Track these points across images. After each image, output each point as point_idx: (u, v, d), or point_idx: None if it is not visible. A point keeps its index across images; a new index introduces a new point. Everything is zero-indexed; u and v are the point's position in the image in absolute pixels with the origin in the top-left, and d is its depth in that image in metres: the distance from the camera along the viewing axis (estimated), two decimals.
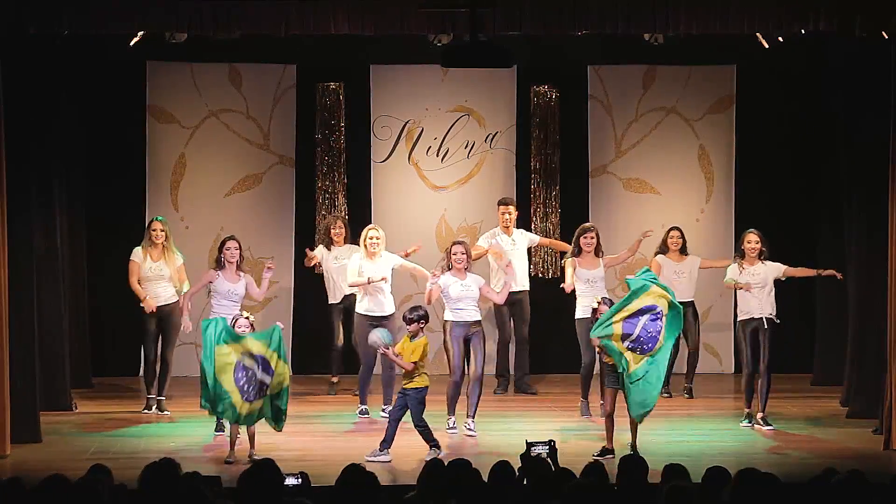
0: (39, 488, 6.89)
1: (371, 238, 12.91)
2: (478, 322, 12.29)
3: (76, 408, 13.15)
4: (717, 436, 12.11)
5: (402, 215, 15.10)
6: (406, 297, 14.28)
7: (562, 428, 12.17)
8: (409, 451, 11.11)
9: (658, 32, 12.53)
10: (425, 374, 11.20)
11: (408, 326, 11.28)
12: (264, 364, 11.02)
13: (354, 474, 7.18)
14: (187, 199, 15.11)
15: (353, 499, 7.09)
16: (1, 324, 11.14)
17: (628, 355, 11.07)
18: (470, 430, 12.07)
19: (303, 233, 15.15)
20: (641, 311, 11.12)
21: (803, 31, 11.61)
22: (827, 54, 13.92)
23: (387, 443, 11.03)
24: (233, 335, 11.06)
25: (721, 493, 7.12)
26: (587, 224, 13.39)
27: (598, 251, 13.08)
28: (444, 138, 15.37)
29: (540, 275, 15.19)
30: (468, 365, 12.24)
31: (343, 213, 14.99)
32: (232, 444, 11.13)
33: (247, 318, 11.35)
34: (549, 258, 15.25)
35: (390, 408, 11.68)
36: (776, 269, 12.50)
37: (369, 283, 12.73)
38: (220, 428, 12.02)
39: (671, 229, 14.13)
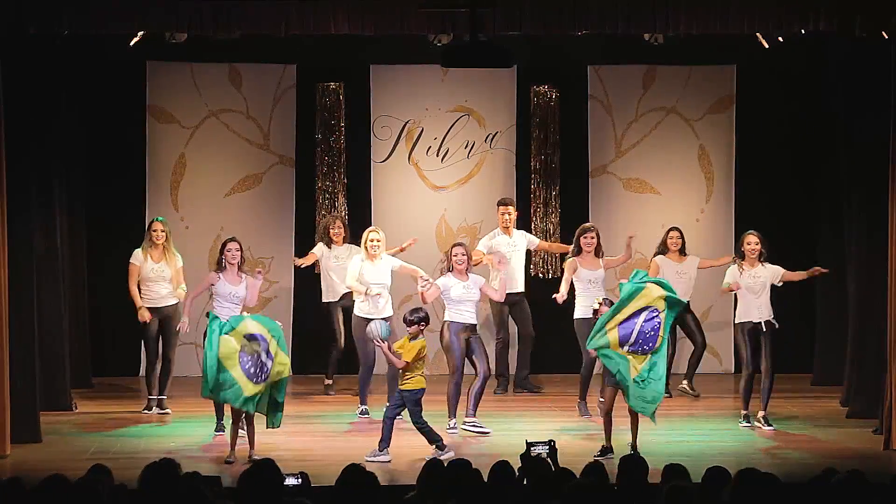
0: (39, 488, 6.89)
1: (372, 240, 12.91)
2: (475, 325, 12.31)
3: (76, 408, 13.15)
4: (717, 436, 12.11)
5: (402, 215, 15.10)
6: (406, 297, 14.28)
7: (562, 428, 12.17)
8: (409, 451, 11.11)
9: (658, 32, 12.53)
10: (422, 376, 11.19)
11: (408, 328, 11.28)
12: (264, 343, 11.04)
13: (354, 474, 7.18)
14: (187, 199, 15.11)
15: (353, 499, 7.09)
16: (1, 324, 11.14)
17: (630, 358, 11.04)
18: (479, 426, 12.09)
19: (303, 233, 15.15)
20: (636, 314, 11.10)
21: (803, 31, 11.61)
22: (827, 54, 13.92)
23: (385, 442, 11.03)
24: (232, 323, 11.09)
25: (721, 493, 7.12)
26: (587, 224, 13.40)
27: (598, 251, 13.09)
28: (444, 138, 15.37)
29: (540, 275, 15.19)
30: (477, 366, 12.24)
31: (343, 213, 14.99)
32: (232, 444, 11.13)
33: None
34: (550, 258, 15.25)
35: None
36: (775, 274, 12.49)
37: (367, 293, 12.74)
38: (220, 428, 12.03)
39: (671, 230, 14.12)
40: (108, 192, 14.83)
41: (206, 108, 15.14)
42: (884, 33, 11.28)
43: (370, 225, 14.05)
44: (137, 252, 13.17)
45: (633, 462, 7.77)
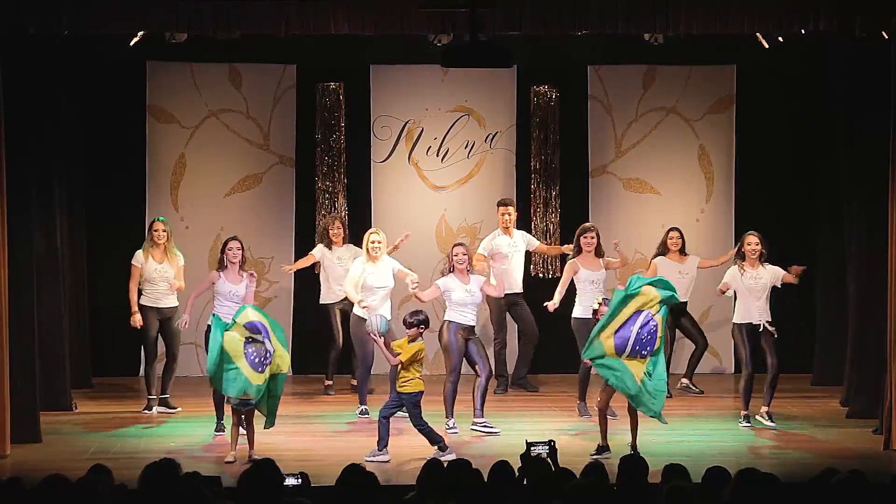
0: (39, 488, 6.90)
1: (373, 242, 12.91)
2: (474, 327, 12.33)
3: (76, 408, 13.15)
4: (717, 436, 12.11)
5: (402, 215, 15.09)
6: (406, 297, 14.27)
7: (562, 428, 12.17)
8: (409, 451, 11.11)
9: (658, 32, 12.52)
10: (420, 379, 11.18)
11: (407, 330, 11.27)
12: (265, 331, 11.05)
13: (354, 474, 7.19)
14: (187, 199, 15.11)
15: (353, 499, 7.09)
16: (1, 324, 11.14)
17: (630, 364, 11.02)
18: (488, 426, 12.10)
19: (303, 233, 15.15)
20: (631, 321, 11.09)
21: (803, 31, 11.61)
22: (827, 54, 13.92)
23: (383, 441, 11.03)
24: (234, 317, 11.13)
25: (721, 493, 7.12)
26: (587, 224, 13.40)
27: (598, 251, 13.09)
28: (444, 138, 15.37)
29: (540, 275, 15.19)
30: (478, 367, 12.25)
31: (343, 214, 14.99)
32: (232, 444, 11.13)
33: None
34: (550, 258, 15.23)
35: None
36: (776, 276, 12.48)
37: (359, 303, 12.75)
38: (220, 428, 12.04)
39: (670, 230, 14.13)
40: (108, 192, 14.83)
41: (206, 108, 15.14)
42: (884, 33, 11.28)
43: (370, 225, 14.09)
44: (139, 253, 13.18)
45: (633, 462, 7.77)
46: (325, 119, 15.24)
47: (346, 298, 13.70)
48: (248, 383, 10.91)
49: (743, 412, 12.48)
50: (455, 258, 12.31)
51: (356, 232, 14.14)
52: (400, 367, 11.16)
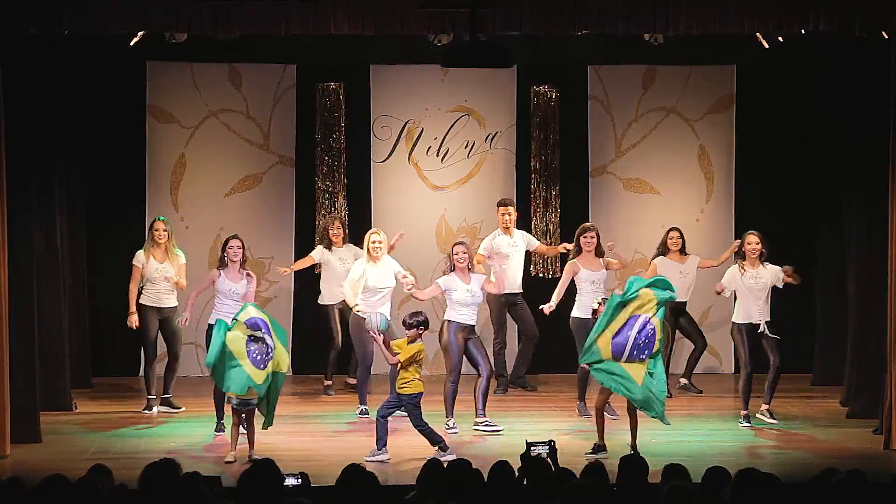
0: (39, 488, 6.89)
1: (374, 242, 12.91)
2: (474, 327, 12.33)
3: (76, 408, 13.15)
4: (717, 436, 12.11)
5: (402, 215, 15.09)
6: (406, 297, 14.27)
7: (561, 428, 12.16)
8: (409, 451, 11.11)
9: (658, 32, 12.52)
10: (420, 380, 11.18)
11: (407, 331, 11.27)
12: (266, 328, 11.06)
13: (354, 474, 7.19)
14: (187, 199, 15.11)
15: (353, 499, 7.09)
16: (1, 324, 11.14)
17: (630, 368, 11.01)
18: (491, 425, 12.11)
19: (303, 233, 15.16)
20: (628, 325, 11.08)
21: (803, 31, 11.61)
22: (827, 54, 13.92)
23: (381, 441, 11.03)
24: (235, 316, 11.17)
25: (721, 493, 7.12)
26: (587, 224, 13.38)
27: (598, 251, 13.08)
28: (444, 138, 15.37)
29: (540, 275, 15.18)
30: (479, 366, 12.25)
31: (343, 214, 14.99)
32: (232, 444, 11.13)
33: None
34: (550, 258, 15.23)
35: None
36: (776, 276, 12.48)
37: (354, 308, 12.77)
38: (220, 428, 12.04)
39: (670, 230, 14.13)
40: (108, 192, 14.83)
41: (206, 108, 15.14)
42: (884, 33, 11.28)
43: (370, 225, 14.10)
44: (140, 253, 13.19)
45: (633, 462, 7.77)
46: (325, 119, 15.24)
47: (344, 300, 13.72)
48: (251, 381, 10.92)
49: (743, 412, 12.48)
50: (455, 257, 12.31)
51: (356, 232, 14.15)
52: (399, 367, 11.15)
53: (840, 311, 13.71)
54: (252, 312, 11.18)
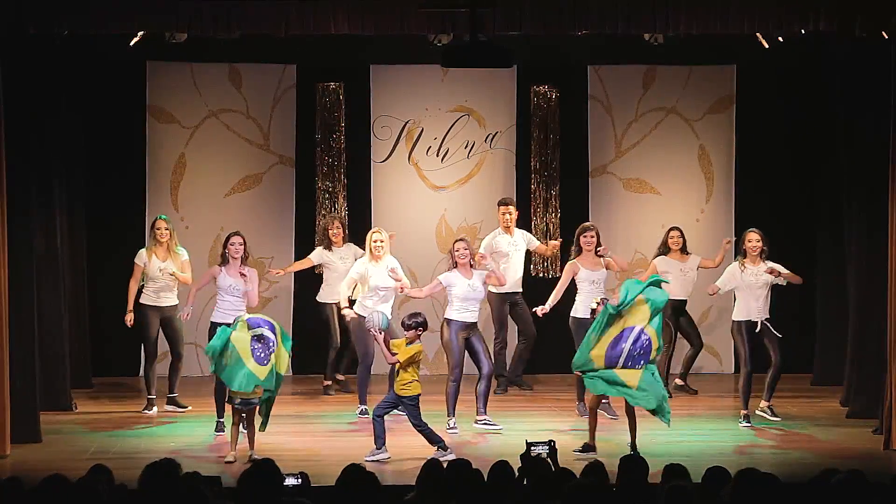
0: (39, 488, 6.89)
1: (375, 241, 12.91)
2: (475, 324, 12.33)
3: (76, 408, 13.15)
4: (717, 436, 12.11)
5: (402, 215, 15.09)
6: (406, 297, 14.26)
7: (561, 428, 12.17)
8: (409, 451, 11.11)
9: (658, 32, 12.52)
10: (417, 381, 11.18)
11: (405, 332, 11.26)
12: (266, 324, 11.08)
13: (354, 474, 7.19)
14: (187, 199, 15.11)
15: (353, 499, 7.09)
16: (1, 324, 11.14)
17: (623, 374, 11.02)
18: (491, 423, 12.11)
19: (303, 233, 15.16)
20: (622, 337, 11.07)
21: (803, 31, 11.61)
22: (827, 54, 13.91)
23: (380, 440, 11.03)
24: (234, 325, 11.17)
25: (721, 493, 7.12)
26: (587, 223, 13.36)
27: (598, 250, 13.06)
28: (444, 138, 15.37)
29: (540, 275, 15.18)
30: (479, 365, 12.26)
31: (343, 214, 14.99)
32: (232, 443, 11.13)
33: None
34: (550, 258, 15.22)
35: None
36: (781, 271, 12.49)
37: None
38: (220, 428, 12.04)
39: (671, 229, 14.13)
40: (108, 193, 14.83)
41: (206, 108, 15.14)
42: (884, 33, 11.28)
43: (370, 225, 14.09)
44: (142, 252, 13.20)
45: (633, 462, 7.77)
46: (325, 119, 15.24)
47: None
48: (256, 378, 10.94)
49: (743, 412, 12.48)
50: (457, 253, 12.30)
51: (356, 232, 14.15)
52: (399, 368, 11.15)
53: (840, 311, 13.71)
54: (253, 316, 11.24)
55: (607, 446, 11.23)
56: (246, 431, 11.18)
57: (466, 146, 15.38)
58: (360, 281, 12.97)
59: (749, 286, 12.45)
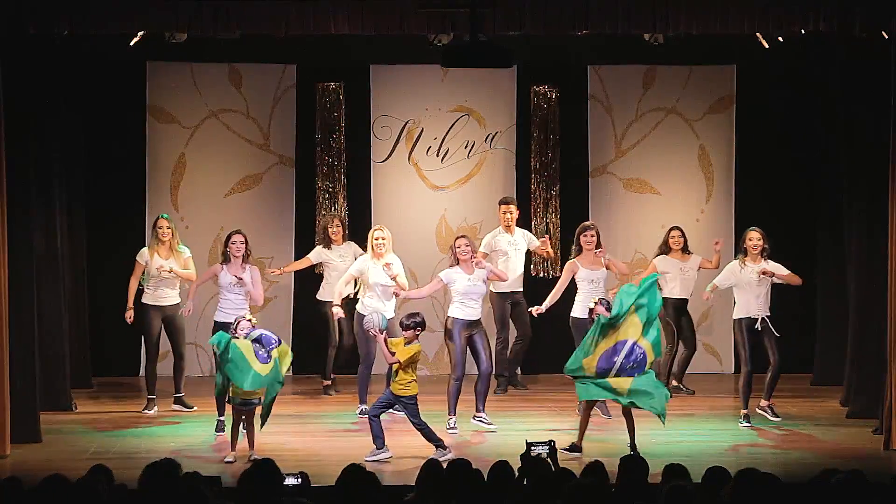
0: (39, 488, 6.89)
1: (377, 239, 12.89)
2: (479, 321, 12.32)
3: (76, 408, 13.15)
4: (717, 436, 12.10)
5: (402, 215, 15.09)
6: (406, 297, 14.26)
7: (561, 428, 12.16)
8: (409, 451, 11.11)
9: (658, 32, 12.51)
10: (415, 381, 11.18)
11: (404, 332, 11.26)
12: (261, 331, 11.12)
13: (354, 474, 7.19)
14: (187, 199, 15.11)
15: (353, 499, 7.09)
16: (1, 324, 11.14)
17: (614, 382, 11.04)
18: (486, 422, 12.13)
19: (303, 233, 15.15)
20: (615, 350, 11.07)
21: (803, 31, 11.61)
22: (827, 54, 13.90)
23: (379, 440, 11.03)
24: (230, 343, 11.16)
25: (721, 493, 7.12)
26: (587, 222, 13.35)
27: (597, 252, 13.05)
28: (444, 138, 15.36)
29: (540, 274, 15.18)
30: (477, 363, 12.26)
31: (343, 214, 14.98)
32: (232, 444, 11.13)
33: (249, 320, 11.36)
34: (550, 258, 15.21)
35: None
36: (778, 271, 12.48)
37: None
38: (220, 428, 12.04)
39: (672, 229, 14.12)
40: (107, 193, 14.83)
41: (206, 108, 15.14)
42: (884, 33, 11.28)
43: (370, 225, 14.07)
44: (144, 251, 13.21)
45: (633, 462, 7.78)
46: (325, 119, 15.24)
47: (345, 298, 13.72)
48: (261, 378, 10.94)
49: (743, 411, 12.48)
50: (458, 249, 12.29)
51: (356, 232, 14.15)
52: (398, 368, 11.14)
53: (840, 311, 13.71)
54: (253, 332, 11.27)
55: (607, 446, 11.24)
56: (246, 431, 11.18)
57: (466, 146, 15.38)
58: (359, 277, 12.97)
59: (749, 283, 12.45)
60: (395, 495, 8.07)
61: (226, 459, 11.01)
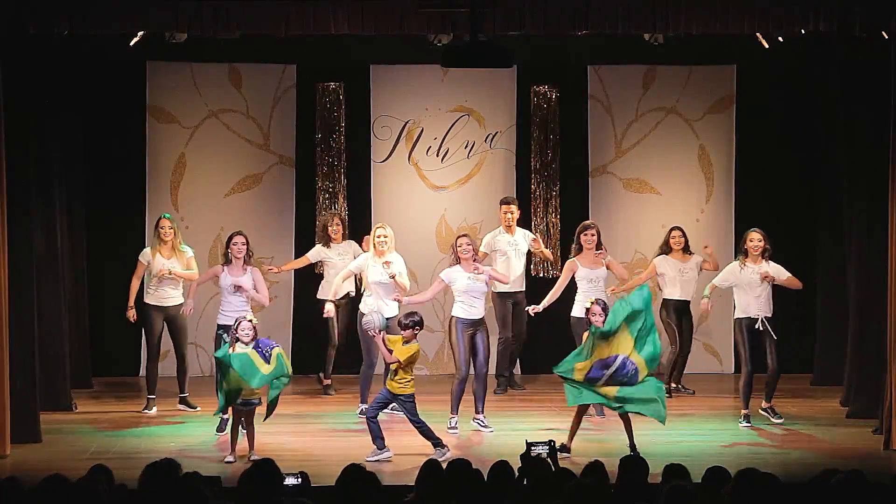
0: (39, 488, 6.89)
1: (379, 237, 12.88)
2: (482, 319, 12.32)
3: (76, 408, 13.15)
4: (717, 436, 12.10)
5: (402, 215, 15.08)
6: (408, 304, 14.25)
7: (561, 428, 12.15)
8: (409, 451, 11.11)
9: (658, 32, 12.51)
10: (413, 380, 11.18)
11: (402, 332, 11.26)
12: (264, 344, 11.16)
13: (354, 474, 7.19)
14: (187, 199, 15.11)
15: (353, 499, 7.10)
16: (1, 324, 11.14)
17: (602, 390, 11.05)
18: (484, 424, 12.13)
19: (303, 233, 15.15)
20: (607, 362, 11.07)
21: (803, 31, 11.61)
22: (827, 54, 13.90)
23: (379, 440, 11.03)
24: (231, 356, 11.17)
25: (721, 493, 7.12)
26: (587, 222, 13.36)
27: (598, 249, 13.05)
28: (444, 138, 15.36)
29: (541, 274, 15.18)
30: (474, 363, 12.26)
31: (343, 213, 14.98)
32: (232, 444, 11.13)
33: (250, 321, 11.33)
34: (550, 259, 15.21)
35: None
36: (778, 273, 12.48)
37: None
38: (221, 428, 12.03)
39: (672, 229, 14.11)
40: (107, 192, 14.83)
41: (206, 108, 15.14)
42: (884, 33, 11.28)
43: (370, 225, 14.07)
44: (146, 251, 13.22)
45: (634, 462, 7.78)
46: (325, 119, 15.24)
47: (344, 297, 13.74)
48: (266, 377, 10.96)
49: (743, 411, 12.48)
50: (459, 248, 12.28)
51: (356, 232, 14.15)
52: (398, 367, 11.14)
53: (840, 311, 13.71)
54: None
55: (607, 446, 11.25)
56: (246, 432, 11.18)
57: (466, 146, 15.38)
58: (359, 275, 12.95)
59: (749, 284, 12.45)
60: (395, 495, 8.07)
61: (226, 459, 11.01)
